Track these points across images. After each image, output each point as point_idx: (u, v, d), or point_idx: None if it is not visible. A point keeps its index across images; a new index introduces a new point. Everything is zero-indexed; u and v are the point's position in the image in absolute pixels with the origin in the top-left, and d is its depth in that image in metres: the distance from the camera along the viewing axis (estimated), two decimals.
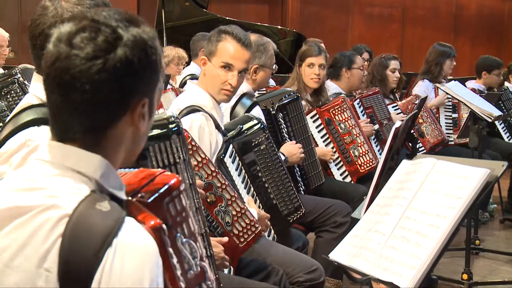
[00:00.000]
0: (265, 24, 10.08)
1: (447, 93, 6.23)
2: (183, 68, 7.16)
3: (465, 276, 5.06)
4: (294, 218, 3.98)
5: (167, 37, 8.94)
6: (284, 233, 3.99)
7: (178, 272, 1.57)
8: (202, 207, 2.54)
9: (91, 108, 1.49)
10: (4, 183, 1.58)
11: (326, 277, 4.21)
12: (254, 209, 3.34)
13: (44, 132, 2.14)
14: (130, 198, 1.58)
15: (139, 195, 1.60)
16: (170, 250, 1.55)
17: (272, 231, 3.82)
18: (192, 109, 3.47)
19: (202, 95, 3.60)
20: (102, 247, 1.39)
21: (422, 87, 7.14)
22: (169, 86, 6.40)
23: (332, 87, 5.93)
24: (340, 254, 2.47)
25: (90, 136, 1.53)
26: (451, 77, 7.56)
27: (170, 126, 2.45)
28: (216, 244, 2.91)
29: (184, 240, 1.65)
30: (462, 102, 5.78)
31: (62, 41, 1.50)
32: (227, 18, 8.98)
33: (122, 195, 1.56)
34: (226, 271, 3.14)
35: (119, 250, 1.40)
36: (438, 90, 6.96)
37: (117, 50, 1.49)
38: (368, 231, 2.42)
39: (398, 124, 3.24)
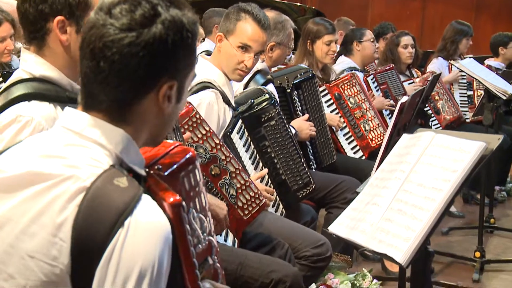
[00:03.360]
0: (284, 1, 10.01)
1: (461, 70, 6.20)
2: (200, 44, 7.15)
3: (477, 254, 5.05)
4: (304, 194, 3.99)
5: None
6: (293, 208, 4.01)
7: (193, 249, 1.60)
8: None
9: (118, 80, 1.51)
10: (25, 146, 1.61)
11: (335, 253, 4.25)
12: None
13: (35, 107, 2.15)
14: (147, 170, 1.60)
15: (156, 167, 1.62)
16: (187, 226, 1.57)
17: (281, 206, 3.84)
18: (203, 86, 3.46)
19: (213, 71, 3.57)
20: (116, 224, 1.41)
21: (436, 64, 7.15)
22: None
23: (345, 62, 5.95)
24: (339, 227, 2.49)
25: (114, 108, 1.55)
26: (471, 55, 7.49)
27: None
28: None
29: (195, 214, 1.68)
30: (476, 79, 5.74)
31: (103, 9, 1.53)
32: None
33: (142, 171, 1.58)
34: (230, 243, 3.17)
35: (132, 228, 1.42)
36: (452, 67, 6.91)
37: (152, 26, 1.50)
38: (366, 204, 2.43)
39: (404, 99, 3.24)
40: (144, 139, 1.63)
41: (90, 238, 1.42)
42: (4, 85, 2.27)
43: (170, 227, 1.47)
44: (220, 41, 3.58)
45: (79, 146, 1.53)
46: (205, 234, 1.70)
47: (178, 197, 1.51)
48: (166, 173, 1.60)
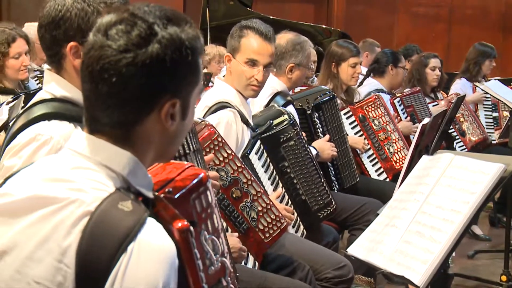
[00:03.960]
0: (310, 24, 10.05)
1: (485, 92, 6.16)
2: (224, 66, 7.21)
3: (504, 278, 4.95)
4: (325, 214, 3.97)
5: (212, 36, 8.98)
6: (314, 229, 3.99)
7: (202, 274, 1.58)
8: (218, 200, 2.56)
9: (118, 102, 1.49)
10: (33, 169, 1.60)
11: (358, 275, 4.22)
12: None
13: (55, 126, 2.17)
14: (157, 193, 1.59)
15: (166, 190, 1.60)
16: (196, 251, 1.55)
17: (302, 227, 3.83)
18: (221, 106, 3.48)
19: (229, 91, 3.60)
20: (119, 250, 1.39)
21: (459, 85, 7.14)
22: (210, 84, 6.45)
23: (373, 83, 5.94)
24: (358, 249, 2.49)
25: (118, 130, 1.53)
26: (498, 77, 7.45)
27: None
28: (232, 234, 2.92)
29: (207, 236, 1.66)
30: (501, 101, 5.71)
31: (100, 31, 1.51)
32: (271, 17, 8.98)
33: (150, 194, 1.56)
34: (250, 265, 3.17)
35: (135, 253, 1.40)
36: (476, 88, 6.89)
37: (149, 46, 1.48)
38: (385, 226, 2.43)
39: (425, 121, 3.23)
40: (151, 158, 1.61)
41: (94, 264, 1.41)
42: (26, 106, 2.29)
43: (175, 251, 1.44)
44: (229, 62, 3.62)
45: (86, 169, 1.52)
46: (217, 256, 1.68)
47: (186, 222, 1.50)
48: (176, 196, 1.59)
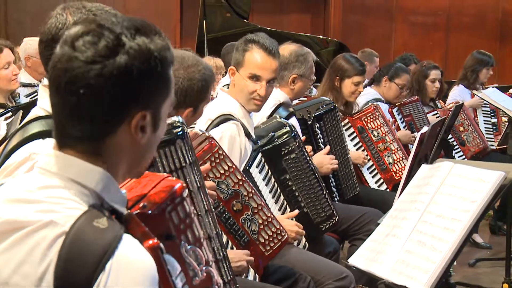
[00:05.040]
0: (307, 34, 10.06)
1: (483, 99, 6.17)
2: (222, 78, 7.21)
3: (505, 286, 4.95)
4: (327, 226, 3.95)
5: (209, 48, 8.99)
6: (316, 241, 3.98)
7: None
8: (213, 209, 2.54)
9: (87, 114, 1.46)
10: (2, 191, 1.55)
11: (360, 285, 4.21)
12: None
13: (49, 144, 2.14)
14: (130, 210, 1.56)
15: (141, 205, 1.58)
16: (169, 268, 1.51)
17: (304, 239, 3.82)
18: (224, 119, 3.48)
19: (232, 104, 3.60)
20: (97, 268, 1.37)
21: (457, 91, 7.17)
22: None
23: (371, 93, 5.93)
24: (359, 259, 2.48)
25: (88, 144, 1.49)
26: (496, 85, 7.47)
27: (174, 131, 2.43)
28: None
29: (188, 247, 1.64)
30: (500, 109, 5.72)
31: (67, 43, 1.48)
32: (268, 28, 9.00)
33: (123, 209, 1.53)
34: (251, 277, 3.16)
35: (114, 271, 1.37)
36: (474, 96, 6.90)
37: (116, 57, 1.44)
38: (386, 236, 2.42)
39: (424, 130, 3.23)
40: (123, 172, 1.57)
41: (73, 285, 1.38)
42: (21, 123, 2.28)
43: (154, 265, 1.42)
44: (233, 75, 3.62)
45: (56, 188, 1.48)
46: (201, 265, 1.67)
47: (155, 240, 1.46)
48: (150, 211, 1.56)
